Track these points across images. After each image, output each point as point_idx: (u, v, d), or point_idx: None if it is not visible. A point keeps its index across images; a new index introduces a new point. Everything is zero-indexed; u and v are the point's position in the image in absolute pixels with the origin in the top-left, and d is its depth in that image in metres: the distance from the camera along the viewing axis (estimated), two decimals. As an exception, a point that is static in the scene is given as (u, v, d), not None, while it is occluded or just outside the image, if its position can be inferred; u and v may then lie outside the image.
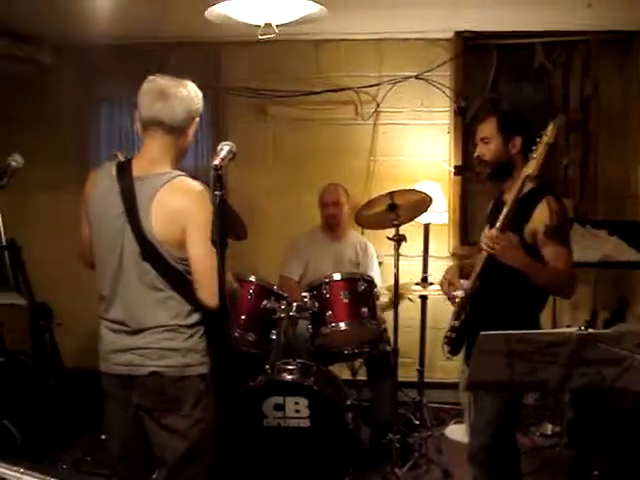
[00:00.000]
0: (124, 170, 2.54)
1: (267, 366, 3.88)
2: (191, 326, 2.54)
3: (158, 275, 2.48)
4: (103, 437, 4.36)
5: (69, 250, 5.02)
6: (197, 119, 2.62)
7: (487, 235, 2.92)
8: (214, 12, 3.71)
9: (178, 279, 2.50)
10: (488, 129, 3.07)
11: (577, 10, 4.43)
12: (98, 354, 2.66)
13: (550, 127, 2.82)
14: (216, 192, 2.11)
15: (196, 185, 2.48)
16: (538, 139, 2.84)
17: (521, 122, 3.10)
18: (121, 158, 2.63)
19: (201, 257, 2.40)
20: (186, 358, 2.52)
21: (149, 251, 2.46)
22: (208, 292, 2.38)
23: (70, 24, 4.56)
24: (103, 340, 2.64)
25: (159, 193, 2.45)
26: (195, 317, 2.55)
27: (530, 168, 2.84)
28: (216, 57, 5.37)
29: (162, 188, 2.46)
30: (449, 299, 3.24)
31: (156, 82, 2.53)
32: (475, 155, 3.13)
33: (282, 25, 3.76)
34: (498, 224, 2.91)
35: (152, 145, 2.55)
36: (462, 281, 3.23)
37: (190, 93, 2.56)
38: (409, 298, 4.84)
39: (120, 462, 2.73)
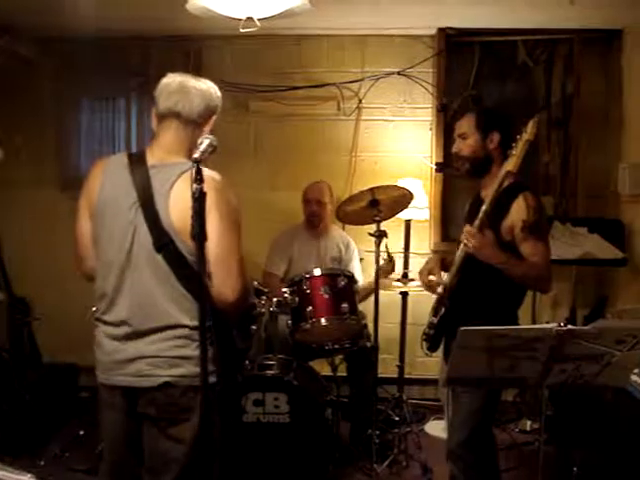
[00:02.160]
0: (138, 160, 2.47)
1: (247, 361, 3.87)
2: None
3: (171, 270, 2.37)
4: (81, 433, 4.39)
5: (49, 245, 5.06)
6: (214, 117, 2.56)
7: (465, 231, 2.92)
8: (195, 5, 3.70)
9: (191, 275, 2.35)
10: (466, 125, 3.09)
11: (560, 8, 4.44)
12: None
13: (530, 124, 2.82)
14: (196, 185, 2.06)
15: (214, 174, 2.37)
16: (518, 136, 2.84)
17: (499, 118, 3.11)
18: None
19: (218, 246, 2.27)
20: (198, 367, 2.33)
21: (163, 241, 2.35)
22: (224, 285, 2.33)
23: (51, 16, 4.51)
24: (102, 349, 2.49)
25: (177, 182, 2.36)
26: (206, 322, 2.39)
27: (510, 165, 2.84)
28: (197, 51, 5.32)
29: (180, 177, 2.37)
30: (427, 288, 3.25)
31: (175, 77, 2.50)
32: (453, 151, 3.15)
33: (264, 19, 3.75)
34: (476, 222, 2.91)
35: (167, 135, 2.49)
36: (443, 273, 3.23)
37: (209, 89, 2.53)
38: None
39: (110, 468, 2.60)
